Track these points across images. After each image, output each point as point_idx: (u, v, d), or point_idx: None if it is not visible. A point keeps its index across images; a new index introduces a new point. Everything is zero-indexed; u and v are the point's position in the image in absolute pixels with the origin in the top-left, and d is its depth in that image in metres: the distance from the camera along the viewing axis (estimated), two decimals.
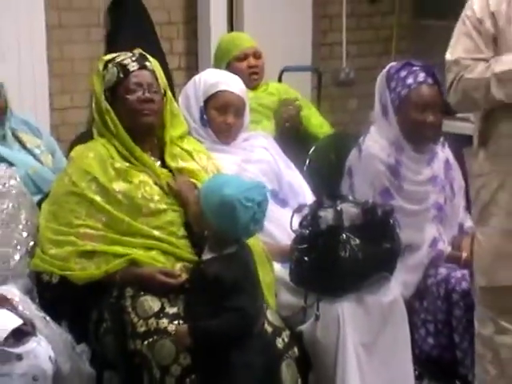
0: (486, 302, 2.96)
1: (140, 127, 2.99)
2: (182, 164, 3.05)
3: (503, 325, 2.94)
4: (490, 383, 3.00)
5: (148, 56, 3.07)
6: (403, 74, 3.45)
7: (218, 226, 2.73)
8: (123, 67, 2.98)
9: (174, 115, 3.10)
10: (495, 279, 2.91)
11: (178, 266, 2.89)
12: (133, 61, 3.00)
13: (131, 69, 2.98)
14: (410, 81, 3.43)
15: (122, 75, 2.97)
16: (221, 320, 2.67)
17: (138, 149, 2.98)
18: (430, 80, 3.43)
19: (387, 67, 3.52)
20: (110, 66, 3.01)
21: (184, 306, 2.81)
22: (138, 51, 3.08)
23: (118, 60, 3.00)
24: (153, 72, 3.02)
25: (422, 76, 3.43)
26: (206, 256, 2.79)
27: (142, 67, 3.01)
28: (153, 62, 3.06)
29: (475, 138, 2.96)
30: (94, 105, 3.04)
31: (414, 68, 3.45)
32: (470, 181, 3.18)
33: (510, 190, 2.83)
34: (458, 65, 2.82)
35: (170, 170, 3.03)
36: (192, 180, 3.03)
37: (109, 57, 3.06)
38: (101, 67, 3.03)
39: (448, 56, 2.86)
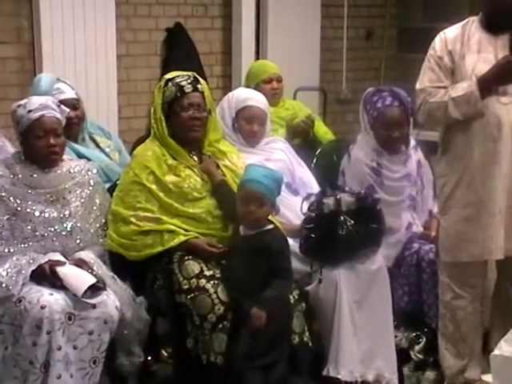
0: (447, 274, 2.95)
1: (189, 138, 2.97)
2: (216, 161, 3.03)
3: (459, 292, 2.93)
4: (449, 336, 3.00)
5: (200, 79, 3.02)
6: (375, 98, 3.35)
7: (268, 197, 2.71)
8: (181, 88, 2.94)
9: (214, 125, 3.07)
10: (455, 256, 2.89)
11: (214, 239, 2.89)
12: (188, 83, 2.95)
13: (186, 90, 2.94)
14: (379, 104, 3.33)
15: (178, 94, 2.94)
16: (275, 287, 2.65)
17: (183, 151, 2.96)
18: (395, 102, 3.30)
19: (365, 93, 3.42)
20: (170, 84, 2.96)
21: (223, 270, 2.79)
22: (192, 74, 3.02)
23: (177, 81, 2.96)
24: (202, 93, 2.98)
25: (388, 100, 3.31)
26: (246, 232, 2.77)
27: (195, 89, 2.96)
28: (203, 85, 3.02)
29: (439, 149, 2.95)
30: (152, 114, 3.01)
31: (384, 94, 3.34)
32: (435, 180, 3.14)
33: (464, 188, 2.81)
34: (424, 92, 2.81)
35: None
36: (215, 160, 3.02)
37: (170, 76, 3.01)
38: (162, 84, 2.98)
39: (417, 86, 2.85)
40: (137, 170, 2.93)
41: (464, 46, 2.76)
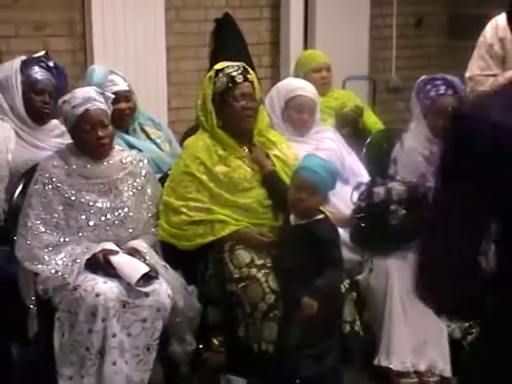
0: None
1: (240, 129, 2.97)
2: (266, 151, 3.02)
3: None
4: None
5: (249, 69, 3.01)
6: (428, 87, 3.30)
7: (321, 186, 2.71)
8: (232, 78, 2.93)
9: (262, 115, 3.07)
10: None
11: (265, 229, 2.89)
12: (239, 73, 2.94)
13: (238, 80, 2.93)
14: (432, 93, 3.27)
15: (230, 85, 2.92)
16: (326, 277, 2.63)
17: (233, 142, 2.95)
18: (449, 91, 3.23)
19: (418, 81, 3.37)
20: (220, 75, 2.95)
21: (274, 259, 2.79)
22: (242, 64, 3.02)
23: (228, 71, 2.95)
24: (252, 83, 2.98)
25: (442, 89, 3.25)
26: (297, 222, 2.76)
27: (246, 79, 2.95)
28: (252, 74, 3.01)
29: None
30: (200, 105, 2.99)
31: (437, 82, 3.27)
32: None
33: None
34: (472, 80, 2.78)
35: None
36: (265, 150, 3.01)
37: (219, 66, 3.00)
38: (213, 74, 2.97)
39: (466, 74, 2.80)
40: (187, 161, 2.94)
41: None
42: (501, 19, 2.77)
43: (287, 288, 2.70)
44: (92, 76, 3.33)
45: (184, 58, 4.79)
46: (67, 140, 2.96)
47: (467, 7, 5.46)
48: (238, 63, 3.02)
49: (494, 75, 2.72)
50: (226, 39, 4.76)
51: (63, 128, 3.05)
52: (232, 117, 2.95)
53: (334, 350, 2.71)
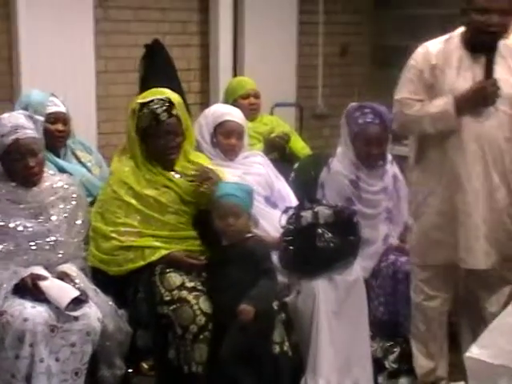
0: (420, 278, 3.01)
1: (164, 162, 2.97)
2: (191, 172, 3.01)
3: (431, 294, 3.00)
4: (420, 337, 3.07)
5: (175, 102, 2.95)
6: (357, 114, 3.40)
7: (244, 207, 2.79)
8: (156, 116, 2.90)
9: (190, 141, 3.07)
10: (426, 259, 2.96)
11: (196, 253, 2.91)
12: (163, 110, 2.90)
13: (162, 118, 2.90)
14: (360, 121, 3.37)
15: (154, 122, 2.90)
16: (261, 286, 2.69)
17: (159, 168, 2.96)
18: (376, 120, 3.34)
19: (348, 107, 3.47)
20: (144, 110, 2.91)
21: (206, 282, 2.82)
22: (167, 98, 2.94)
23: (152, 107, 2.90)
24: (178, 117, 2.95)
25: (370, 117, 3.36)
26: (226, 242, 2.83)
27: (170, 116, 2.92)
28: (178, 108, 2.95)
29: (411, 158, 3.01)
30: (126, 135, 3.00)
31: (366, 110, 3.38)
32: (409, 187, 3.20)
33: (437, 196, 2.88)
34: (400, 103, 2.86)
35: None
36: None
37: (144, 100, 2.94)
38: (136, 108, 2.93)
39: (395, 96, 2.90)
40: (115, 187, 2.94)
41: (445, 61, 2.80)
42: (432, 46, 2.84)
43: (223, 305, 2.72)
44: (30, 96, 3.32)
45: (114, 83, 4.81)
46: None
47: (389, 38, 5.66)
48: (163, 96, 2.96)
49: (421, 100, 2.82)
50: (156, 65, 4.77)
51: None
52: (155, 151, 2.95)
53: (270, 362, 2.74)
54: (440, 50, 2.82)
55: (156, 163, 2.97)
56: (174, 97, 3.01)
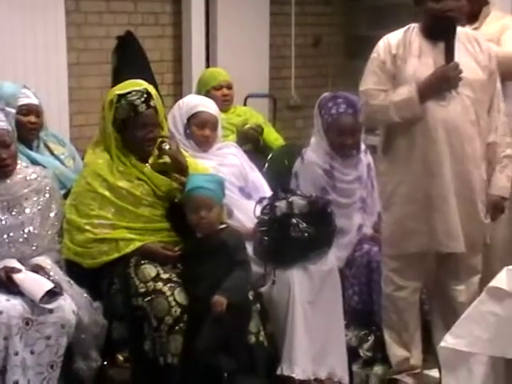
0: (390, 268, 3.04)
1: (141, 153, 2.96)
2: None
3: (401, 284, 3.02)
4: (392, 326, 3.09)
5: (152, 94, 2.94)
6: (330, 104, 3.41)
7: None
8: (134, 107, 2.88)
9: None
10: (399, 249, 2.98)
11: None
12: (142, 102, 2.89)
13: (140, 110, 2.88)
14: (333, 111, 3.39)
15: (132, 114, 2.89)
16: (234, 277, 2.69)
17: (133, 159, 2.94)
18: (349, 110, 3.35)
19: (320, 97, 3.49)
20: (122, 101, 2.89)
21: (181, 273, 2.82)
22: (145, 89, 2.93)
23: (130, 99, 2.89)
24: (155, 109, 2.94)
25: (343, 107, 3.38)
26: (200, 234, 2.82)
27: (148, 107, 2.90)
28: (156, 99, 2.95)
29: (379, 148, 3.05)
30: (100, 127, 2.98)
31: (339, 100, 3.40)
32: (377, 178, 3.24)
33: (406, 186, 2.90)
34: (366, 94, 2.90)
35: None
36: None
37: (122, 91, 2.93)
38: (114, 99, 2.91)
39: (360, 87, 2.95)
40: (89, 179, 2.93)
41: (406, 50, 2.86)
42: (392, 37, 2.91)
43: (197, 297, 2.72)
44: (2, 88, 3.29)
45: (86, 75, 4.77)
46: None
47: (361, 29, 5.69)
48: (141, 87, 2.94)
49: (385, 90, 2.86)
50: (128, 57, 4.76)
51: None
52: (133, 143, 2.94)
53: (245, 352, 2.75)
54: (400, 41, 2.88)
55: (130, 155, 2.96)
56: (151, 88, 3.00)
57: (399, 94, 2.81)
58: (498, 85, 2.94)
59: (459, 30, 2.88)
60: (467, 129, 2.84)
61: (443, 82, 2.79)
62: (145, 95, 2.92)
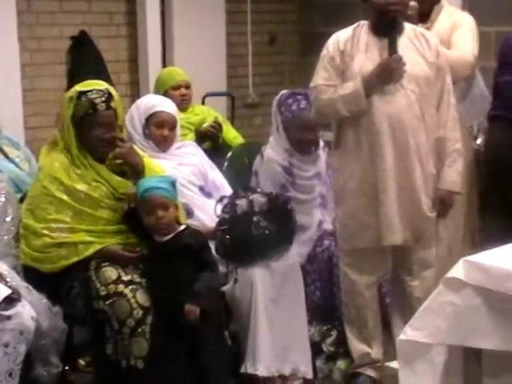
0: (346, 262, 3.06)
1: (97, 154, 2.91)
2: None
3: (357, 279, 3.03)
4: (352, 321, 3.11)
5: (114, 95, 2.91)
6: (290, 101, 3.43)
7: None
8: (94, 105, 2.84)
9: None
10: (353, 244, 3.00)
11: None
12: (102, 101, 2.85)
13: (99, 108, 2.84)
14: (293, 107, 3.41)
15: (91, 111, 2.85)
16: (203, 280, 2.67)
17: (91, 159, 2.90)
18: (309, 106, 3.32)
19: (279, 95, 3.50)
20: (83, 98, 2.85)
21: (144, 274, 2.79)
22: (106, 89, 2.90)
23: (91, 96, 2.85)
24: (115, 110, 2.91)
25: (303, 103, 3.40)
26: (162, 239, 2.78)
27: (108, 108, 2.87)
28: (116, 101, 2.92)
29: (332, 143, 3.08)
30: (61, 125, 2.92)
31: (299, 97, 3.43)
32: (331, 173, 3.26)
33: (357, 180, 2.94)
34: (316, 90, 2.95)
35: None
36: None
37: (84, 88, 2.89)
38: (74, 96, 2.87)
39: (311, 84, 2.98)
40: (45, 182, 2.88)
41: (354, 47, 2.91)
42: (341, 34, 2.96)
43: (166, 300, 2.69)
44: None
45: (40, 76, 4.69)
46: None
47: (316, 26, 5.70)
48: (102, 87, 2.92)
49: (334, 85, 2.90)
50: (83, 57, 4.69)
51: None
52: (89, 142, 2.90)
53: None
54: (349, 38, 2.93)
55: (88, 155, 2.91)
56: (113, 91, 2.97)
57: (346, 88, 2.86)
58: (449, 80, 2.97)
59: (407, 26, 2.94)
60: (412, 123, 2.87)
61: (387, 75, 2.83)
62: (106, 95, 2.89)
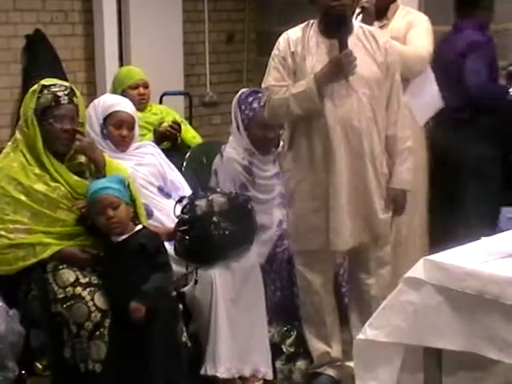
0: (300, 262, 3.07)
1: (57, 150, 2.88)
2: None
3: (311, 278, 3.03)
4: (310, 320, 3.11)
5: (77, 91, 2.94)
6: (250, 99, 3.42)
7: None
8: (57, 98, 2.85)
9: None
10: (304, 245, 3.01)
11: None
12: (65, 94, 2.86)
13: (62, 101, 2.85)
14: (255, 105, 3.40)
15: (53, 103, 2.84)
16: (153, 280, 2.62)
17: (52, 157, 2.86)
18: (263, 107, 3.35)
19: (239, 93, 3.49)
20: (45, 91, 2.86)
21: (100, 275, 2.76)
22: (70, 85, 2.95)
23: (54, 90, 2.87)
24: (77, 106, 2.91)
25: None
26: (118, 239, 2.74)
27: (71, 102, 2.88)
28: (79, 97, 2.94)
29: (285, 144, 3.07)
30: (21, 117, 2.88)
31: (259, 94, 3.37)
32: (282, 174, 3.24)
33: (309, 183, 2.94)
34: (268, 90, 2.93)
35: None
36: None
37: (48, 82, 2.91)
38: (37, 89, 2.87)
39: (262, 84, 2.97)
40: (2, 183, 2.83)
41: (304, 48, 2.89)
42: (292, 34, 2.94)
43: (119, 302, 2.66)
44: None
45: None
46: None
47: (273, 25, 5.70)
48: (65, 83, 2.96)
49: (286, 86, 2.88)
50: (38, 56, 4.64)
51: None
52: (49, 137, 2.87)
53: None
54: (299, 38, 2.92)
55: (50, 155, 2.87)
56: (76, 89, 2.98)
57: (298, 87, 2.85)
58: (398, 78, 2.97)
59: (356, 24, 2.95)
60: (364, 126, 2.87)
61: (338, 70, 2.82)
62: (69, 90, 2.91)
